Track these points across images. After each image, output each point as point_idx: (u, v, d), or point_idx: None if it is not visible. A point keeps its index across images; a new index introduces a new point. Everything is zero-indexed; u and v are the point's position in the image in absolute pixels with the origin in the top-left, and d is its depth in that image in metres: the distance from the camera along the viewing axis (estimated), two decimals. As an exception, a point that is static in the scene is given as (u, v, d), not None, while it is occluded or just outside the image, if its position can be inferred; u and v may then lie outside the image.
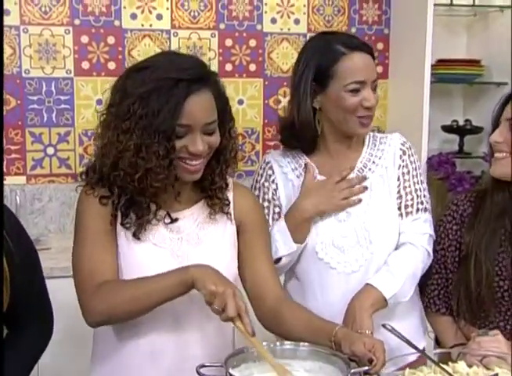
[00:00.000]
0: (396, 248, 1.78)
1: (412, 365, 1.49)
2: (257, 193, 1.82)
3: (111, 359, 1.59)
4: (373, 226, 1.76)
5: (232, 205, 1.63)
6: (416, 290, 1.80)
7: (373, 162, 1.82)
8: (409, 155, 1.83)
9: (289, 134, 1.82)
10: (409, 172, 1.81)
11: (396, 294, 1.69)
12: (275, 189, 1.82)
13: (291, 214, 1.76)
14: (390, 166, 1.82)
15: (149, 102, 1.42)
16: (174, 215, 1.56)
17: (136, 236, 1.52)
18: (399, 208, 1.79)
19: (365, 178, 1.78)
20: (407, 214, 1.79)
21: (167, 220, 1.56)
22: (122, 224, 1.52)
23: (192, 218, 1.59)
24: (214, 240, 1.59)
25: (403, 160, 1.81)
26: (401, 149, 1.83)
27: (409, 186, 1.80)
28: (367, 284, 1.69)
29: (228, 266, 1.58)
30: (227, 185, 1.61)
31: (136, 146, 1.43)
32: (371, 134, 1.87)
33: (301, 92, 1.74)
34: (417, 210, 1.79)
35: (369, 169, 1.81)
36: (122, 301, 1.45)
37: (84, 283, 1.50)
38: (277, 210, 1.81)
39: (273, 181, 1.83)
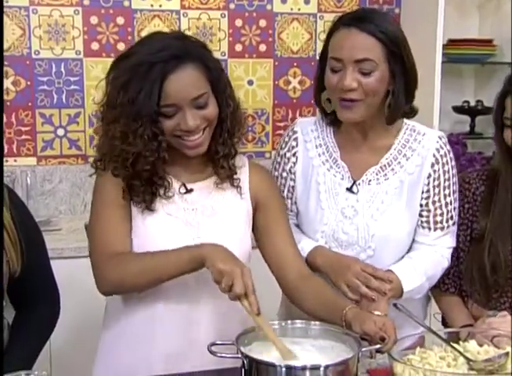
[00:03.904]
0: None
1: (416, 345, 1.49)
2: (278, 160, 1.82)
3: (119, 325, 1.62)
4: (376, 233, 1.71)
5: (247, 184, 1.65)
6: None
7: (399, 162, 1.71)
8: (442, 164, 1.71)
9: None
10: (439, 185, 1.71)
11: (413, 290, 1.67)
12: (294, 163, 1.79)
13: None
14: (415, 173, 1.71)
15: (128, 89, 1.47)
16: (189, 186, 1.59)
17: (149, 209, 1.55)
18: (427, 222, 1.72)
19: (391, 281, 1.62)
20: (436, 229, 1.73)
21: (183, 190, 1.59)
22: (132, 199, 1.56)
23: (207, 190, 1.62)
24: (227, 212, 1.61)
25: (435, 171, 1.70)
26: (434, 155, 1.70)
27: (439, 201, 1.71)
28: (389, 270, 1.66)
29: (241, 240, 1.60)
30: (235, 153, 1.62)
31: (122, 133, 1.48)
32: (410, 125, 1.75)
33: (317, 71, 1.72)
34: (447, 226, 1.74)
35: (392, 169, 1.72)
36: (132, 273, 1.50)
37: (98, 252, 1.54)
38: (292, 184, 1.80)
39: (294, 154, 1.79)
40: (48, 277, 1.68)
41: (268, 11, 3.34)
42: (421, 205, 1.73)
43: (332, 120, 1.77)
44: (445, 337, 1.49)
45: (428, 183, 1.71)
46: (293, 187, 1.80)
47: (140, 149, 1.48)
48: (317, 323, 1.47)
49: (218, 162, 1.60)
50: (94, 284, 1.55)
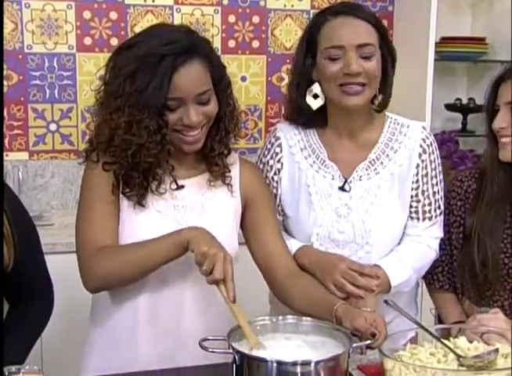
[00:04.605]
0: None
1: (411, 342, 1.49)
2: (261, 167, 1.78)
3: (107, 320, 1.62)
4: (373, 227, 1.70)
5: (238, 181, 1.64)
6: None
7: (387, 155, 1.71)
8: (429, 154, 1.72)
9: (291, 110, 1.77)
10: (427, 174, 1.72)
11: (400, 284, 1.67)
12: (279, 170, 1.76)
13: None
14: (405, 164, 1.71)
15: (136, 79, 1.45)
16: (180, 182, 1.59)
17: (140, 203, 1.54)
18: (416, 212, 1.73)
19: (378, 277, 1.63)
20: (424, 219, 1.73)
21: (174, 186, 1.58)
22: (123, 193, 1.54)
23: (198, 186, 1.61)
24: (217, 211, 1.61)
25: (422, 161, 1.71)
26: (421, 146, 1.71)
27: (427, 190, 1.72)
28: (375, 265, 1.66)
29: (228, 239, 1.59)
30: (229, 151, 1.62)
31: (127, 123, 1.47)
32: (392, 118, 1.76)
33: (297, 67, 1.69)
34: (435, 216, 1.74)
35: (381, 163, 1.71)
36: (119, 266, 1.49)
37: (85, 247, 1.53)
38: (274, 191, 1.77)
39: (279, 160, 1.76)
40: (42, 272, 1.67)
41: (261, 7, 3.34)
42: (411, 196, 1.73)
43: (318, 121, 1.73)
44: (437, 333, 1.49)
45: (417, 173, 1.72)
46: (275, 195, 1.77)
47: (144, 140, 1.47)
48: (308, 318, 1.46)
49: (212, 160, 1.60)
50: (86, 280, 1.54)
